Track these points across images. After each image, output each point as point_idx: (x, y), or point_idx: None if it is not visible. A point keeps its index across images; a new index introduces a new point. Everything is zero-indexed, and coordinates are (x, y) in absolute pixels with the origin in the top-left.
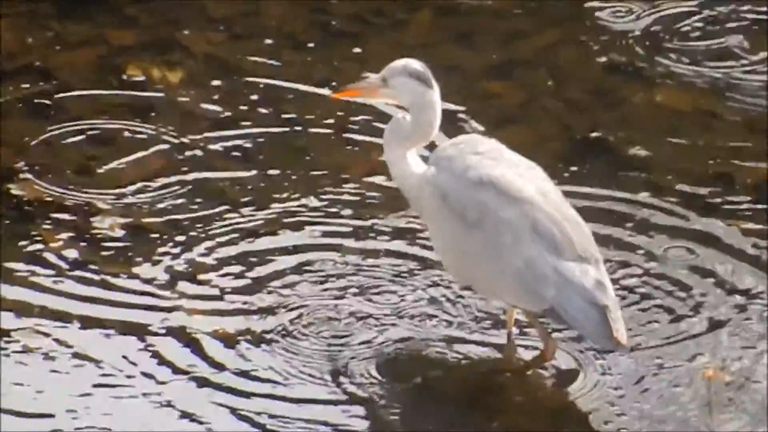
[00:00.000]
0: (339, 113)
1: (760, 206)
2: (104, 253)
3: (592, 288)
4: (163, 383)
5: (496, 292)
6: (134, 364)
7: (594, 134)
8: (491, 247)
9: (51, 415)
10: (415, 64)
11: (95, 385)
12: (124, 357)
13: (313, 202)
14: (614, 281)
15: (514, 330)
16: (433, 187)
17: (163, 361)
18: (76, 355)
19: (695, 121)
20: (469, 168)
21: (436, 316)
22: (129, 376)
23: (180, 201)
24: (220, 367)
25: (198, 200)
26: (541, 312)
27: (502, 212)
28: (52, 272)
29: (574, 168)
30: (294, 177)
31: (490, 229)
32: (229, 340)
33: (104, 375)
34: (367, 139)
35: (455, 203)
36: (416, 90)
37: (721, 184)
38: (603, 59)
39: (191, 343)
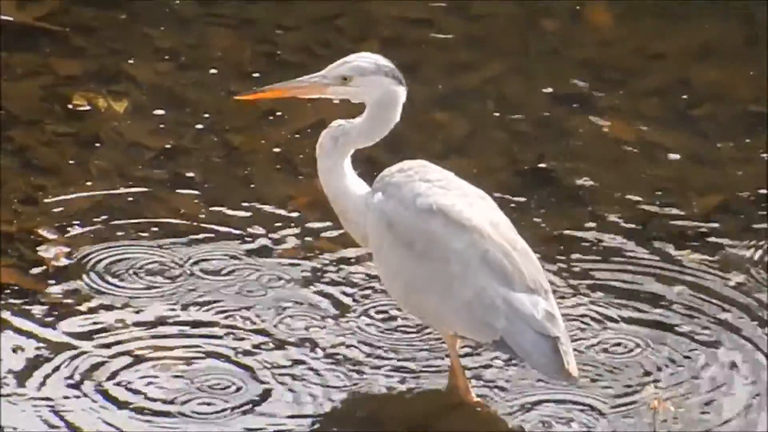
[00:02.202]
0: (283, 144)
1: (706, 236)
2: (49, 282)
3: (542, 319)
4: (103, 408)
5: (445, 322)
6: (76, 390)
7: (540, 165)
8: (440, 277)
9: None
10: (384, 60)
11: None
12: (67, 385)
13: (258, 230)
14: (562, 313)
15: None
16: (378, 213)
17: (101, 390)
18: (20, 386)
19: (640, 151)
20: (418, 196)
21: (380, 347)
22: (66, 398)
23: (125, 231)
24: (158, 401)
25: (142, 231)
26: (490, 343)
27: (452, 242)
28: None
29: (519, 199)
30: (238, 206)
31: (439, 259)
32: (168, 372)
33: (45, 402)
34: (310, 170)
35: (402, 232)
36: (389, 88)
37: (667, 215)
38: (548, 90)
39: (133, 373)
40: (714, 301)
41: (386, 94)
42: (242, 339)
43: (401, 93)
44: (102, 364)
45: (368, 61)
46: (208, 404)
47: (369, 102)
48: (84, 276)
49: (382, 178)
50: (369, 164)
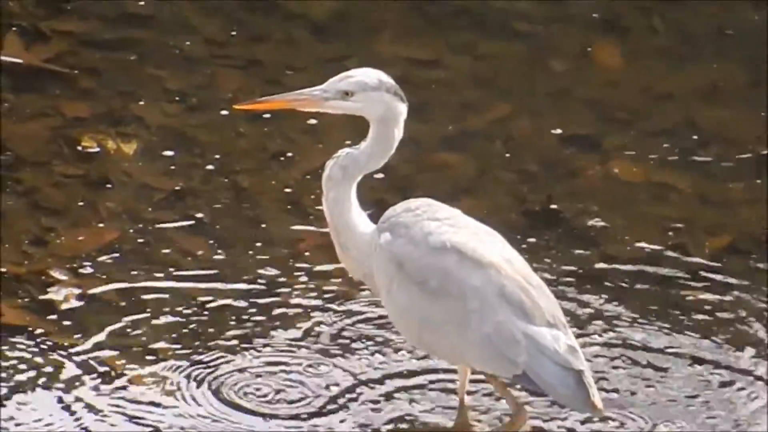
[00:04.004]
0: (292, 185)
1: (715, 277)
2: (60, 323)
3: (565, 353)
4: None
5: (463, 358)
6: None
7: (549, 205)
8: (457, 313)
9: None
10: (386, 77)
11: None
12: (80, 427)
13: (268, 271)
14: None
15: (469, 397)
16: (387, 254)
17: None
18: (26, 426)
19: (649, 192)
20: (429, 234)
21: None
22: None
23: (135, 273)
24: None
25: (152, 272)
26: (511, 378)
27: (468, 278)
28: (8, 345)
29: (529, 239)
30: (247, 248)
31: (455, 296)
32: (185, 414)
33: None
34: (321, 212)
35: (414, 270)
36: (392, 104)
37: (676, 255)
38: (557, 131)
39: (146, 413)
40: (725, 344)
41: (389, 111)
42: (245, 384)
43: (403, 110)
44: (114, 402)
45: (371, 77)
46: None
47: (372, 119)
48: (94, 317)
49: (388, 218)
50: (379, 205)
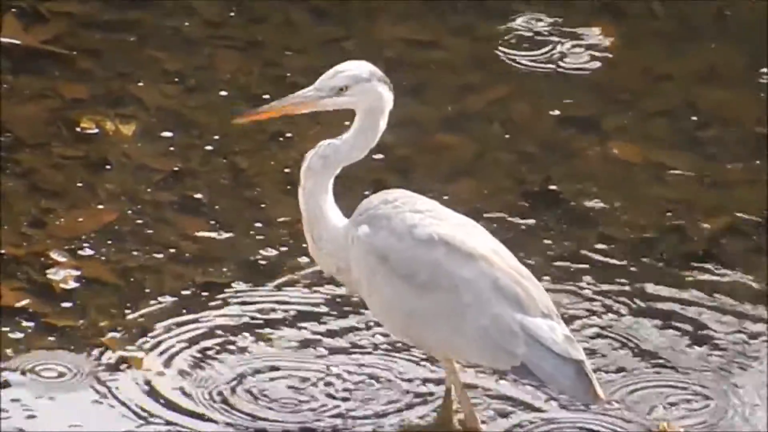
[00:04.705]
0: (290, 166)
1: (714, 258)
2: (58, 304)
3: (563, 343)
4: None
5: (455, 351)
6: (83, 412)
7: (548, 186)
8: (450, 306)
9: None
10: (373, 67)
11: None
12: (78, 407)
13: (267, 252)
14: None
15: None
16: (367, 246)
17: (115, 414)
18: (27, 408)
19: (648, 173)
20: (414, 226)
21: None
22: (76, 427)
23: (133, 254)
24: (173, 423)
25: (151, 253)
26: (509, 369)
27: (459, 271)
28: (7, 327)
29: (528, 221)
30: (246, 228)
31: (447, 289)
32: (184, 394)
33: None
34: None
35: (400, 264)
36: (384, 94)
37: (675, 237)
38: (555, 112)
39: (145, 394)
40: (724, 324)
41: (380, 100)
42: (249, 362)
43: (391, 99)
44: (112, 384)
45: (363, 69)
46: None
47: (361, 110)
48: (93, 299)
49: (365, 210)
50: (377, 186)
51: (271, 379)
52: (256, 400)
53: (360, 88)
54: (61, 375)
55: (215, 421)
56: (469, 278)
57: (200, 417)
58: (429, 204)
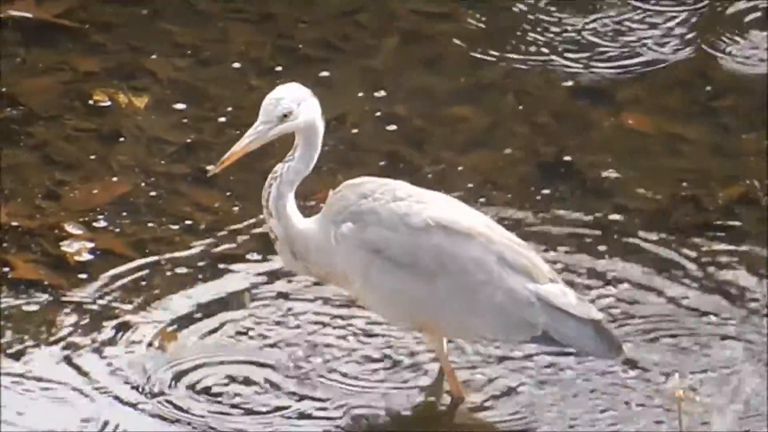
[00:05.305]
0: None
1: (728, 228)
2: (72, 276)
3: (579, 305)
4: (128, 404)
5: (471, 331)
6: (98, 383)
7: (562, 158)
8: (461, 289)
9: None
10: (299, 85)
11: (62, 407)
12: (90, 379)
13: None
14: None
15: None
16: (357, 243)
17: (127, 382)
18: (40, 380)
19: (662, 143)
20: (406, 215)
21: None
22: (92, 399)
23: (147, 226)
24: (182, 391)
25: (165, 225)
26: (528, 339)
27: (464, 251)
28: (22, 299)
29: (543, 191)
30: (260, 200)
31: (456, 271)
32: (194, 365)
33: (70, 398)
34: (333, 164)
35: (398, 254)
36: (318, 109)
37: (690, 206)
38: (569, 83)
39: (159, 365)
40: (740, 293)
41: (318, 113)
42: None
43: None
44: (127, 360)
45: (299, 89)
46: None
47: (305, 127)
48: (107, 271)
49: (344, 209)
50: (393, 158)
51: (284, 346)
52: (275, 370)
53: (303, 109)
54: (75, 346)
55: (238, 381)
56: (476, 257)
57: (221, 385)
58: (405, 188)
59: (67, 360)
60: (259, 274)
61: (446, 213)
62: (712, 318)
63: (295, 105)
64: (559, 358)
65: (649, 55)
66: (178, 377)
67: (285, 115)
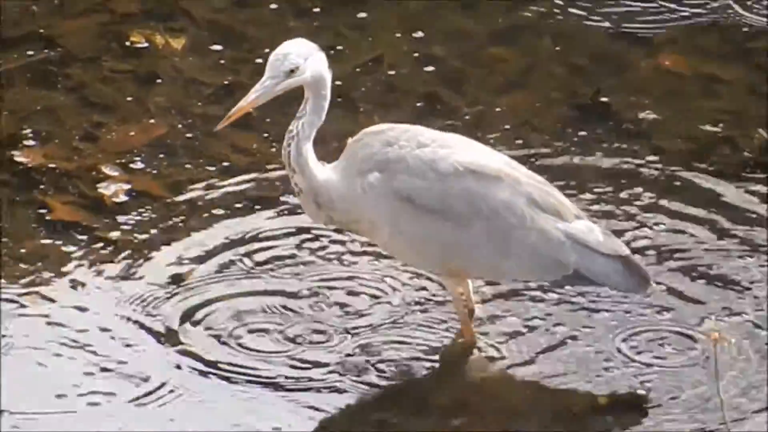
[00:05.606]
0: (342, 79)
1: (765, 167)
2: (110, 218)
3: (606, 241)
4: (162, 350)
5: (504, 273)
6: (136, 325)
7: (598, 99)
8: (494, 232)
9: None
10: (305, 40)
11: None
12: (128, 321)
13: None
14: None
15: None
16: (386, 191)
17: (163, 329)
18: (77, 321)
19: (699, 85)
20: (433, 161)
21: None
22: (126, 341)
23: (184, 167)
24: (231, 335)
25: (202, 167)
26: (560, 279)
27: (494, 194)
28: (60, 241)
29: (579, 133)
30: None
31: (488, 215)
32: (232, 312)
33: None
34: (370, 106)
35: (430, 201)
36: (324, 59)
37: (727, 147)
38: (606, 24)
39: (194, 308)
40: None
41: (325, 67)
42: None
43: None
44: (165, 300)
45: (305, 44)
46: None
47: (314, 81)
48: (144, 212)
49: (370, 158)
50: (430, 99)
51: (314, 294)
52: (312, 308)
53: (309, 63)
54: (112, 287)
55: (279, 323)
56: (506, 199)
57: (259, 329)
58: (427, 134)
59: (105, 300)
60: (296, 214)
61: (472, 157)
62: (750, 259)
63: (301, 60)
64: (581, 298)
65: None
66: (219, 317)
67: (292, 71)
